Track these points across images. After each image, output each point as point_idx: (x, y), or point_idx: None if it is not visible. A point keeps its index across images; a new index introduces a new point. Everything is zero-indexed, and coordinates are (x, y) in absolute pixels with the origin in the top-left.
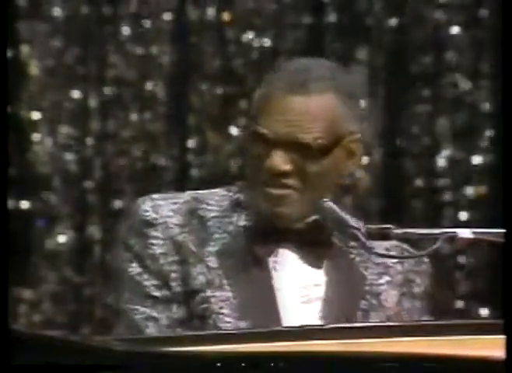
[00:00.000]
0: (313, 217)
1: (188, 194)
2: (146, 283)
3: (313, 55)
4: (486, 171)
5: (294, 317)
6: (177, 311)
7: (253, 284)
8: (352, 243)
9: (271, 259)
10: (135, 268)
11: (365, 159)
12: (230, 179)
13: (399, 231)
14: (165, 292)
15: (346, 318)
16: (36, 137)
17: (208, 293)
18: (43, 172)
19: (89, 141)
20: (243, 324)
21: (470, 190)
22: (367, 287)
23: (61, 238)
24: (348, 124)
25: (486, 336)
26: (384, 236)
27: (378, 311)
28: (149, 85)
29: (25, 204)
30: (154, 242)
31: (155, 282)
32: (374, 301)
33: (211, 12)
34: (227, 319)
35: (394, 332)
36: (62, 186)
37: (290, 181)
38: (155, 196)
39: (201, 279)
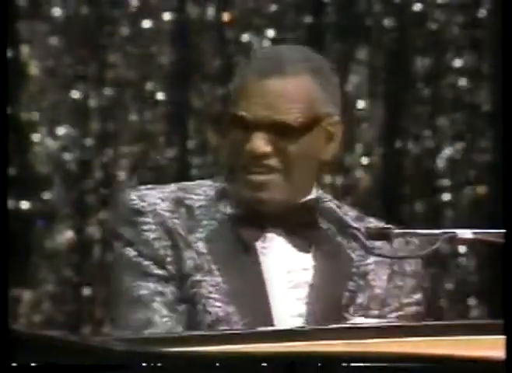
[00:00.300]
0: (300, 201)
1: (174, 185)
2: (145, 263)
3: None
4: (486, 171)
5: (282, 301)
6: (177, 290)
7: (241, 269)
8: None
9: (258, 244)
10: (130, 252)
11: (365, 159)
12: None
13: (399, 231)
14: (164, 272)
15: (333, 302)
16: (35, 137)
17: (198, 277)
18: (43, 172)
19: (89, 141)
20: (232, 309)
21: (470, 190)
22: (354, 269)
23: (61, 239)
24: (325, 106)
25: (486, 336)
26: (384, 236)
27: (366, 292)
28: (148, 86)
29: (25, 204)
30: (146, 227)
31: (153, 263)
32: (362, 282)
33: (211, 11)
34: (217, 304)
35: (394, 333)
36: (62, 187)
37: (271, 162)
38: (141, 187)
39: (191, 263)
